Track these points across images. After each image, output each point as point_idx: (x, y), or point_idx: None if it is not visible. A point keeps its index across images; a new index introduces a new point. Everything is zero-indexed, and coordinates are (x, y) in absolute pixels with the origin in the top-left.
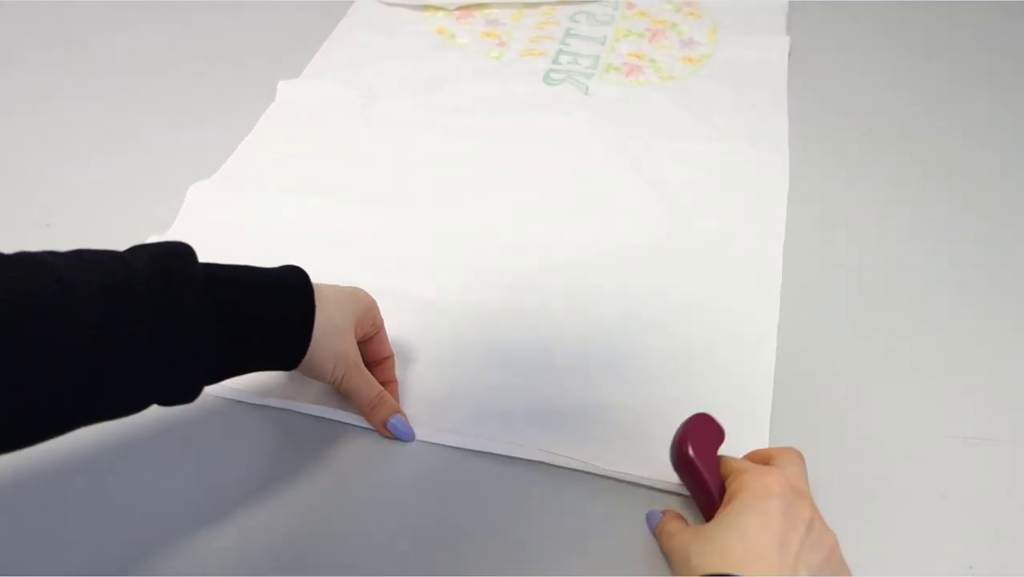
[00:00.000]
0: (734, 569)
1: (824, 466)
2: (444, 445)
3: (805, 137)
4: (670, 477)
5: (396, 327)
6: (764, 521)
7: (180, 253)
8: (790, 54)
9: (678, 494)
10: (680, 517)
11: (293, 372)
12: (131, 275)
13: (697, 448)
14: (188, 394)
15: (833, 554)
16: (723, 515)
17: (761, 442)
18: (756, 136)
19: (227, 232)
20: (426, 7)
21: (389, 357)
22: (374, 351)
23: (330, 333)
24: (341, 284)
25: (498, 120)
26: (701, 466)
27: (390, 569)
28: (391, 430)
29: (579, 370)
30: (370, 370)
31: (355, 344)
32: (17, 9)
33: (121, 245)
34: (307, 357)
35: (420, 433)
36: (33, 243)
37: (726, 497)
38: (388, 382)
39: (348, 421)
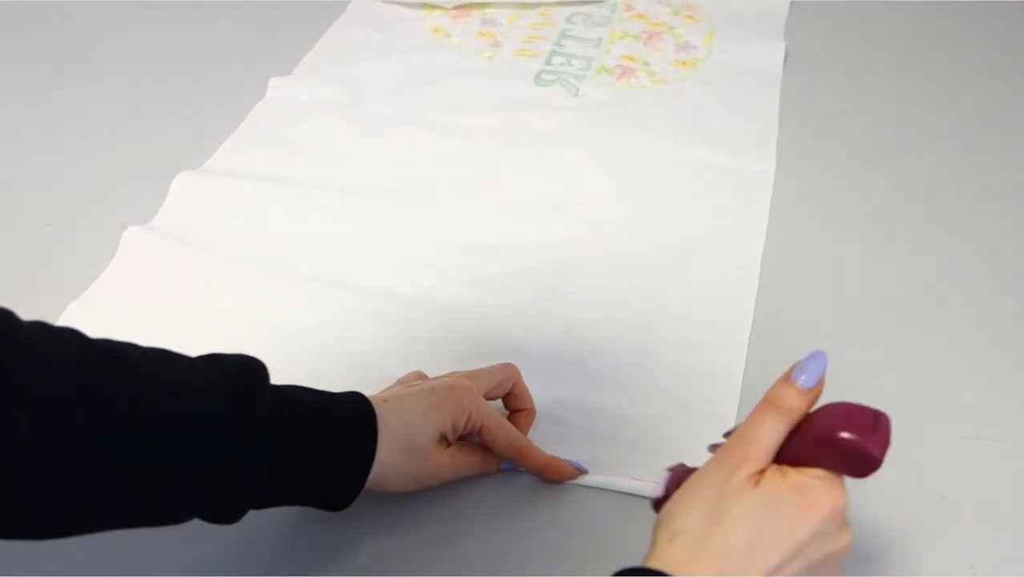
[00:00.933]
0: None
1: None
2: None
3: (801, 140)
4: (629, 479)
5: (374, 324)
6: (786, 530)
7: (254, 370)
8: (787, 58)
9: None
10: None
11: None
12: (205, 391)
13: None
14: (232, 516)
15: None
16: (770, 489)
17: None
18: (743, 143)
19: (210, 222)
20: (423, 5)
21: (523, 411)
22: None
23: (398, 463)
24: (433, 378)
25: (485, 120)
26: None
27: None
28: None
29: (548, 369)
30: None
31: (440, 453)
32: (14, 8)
33: (119, 242)
34: (380, 486)
35: None
36: (33, 243)
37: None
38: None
39: None
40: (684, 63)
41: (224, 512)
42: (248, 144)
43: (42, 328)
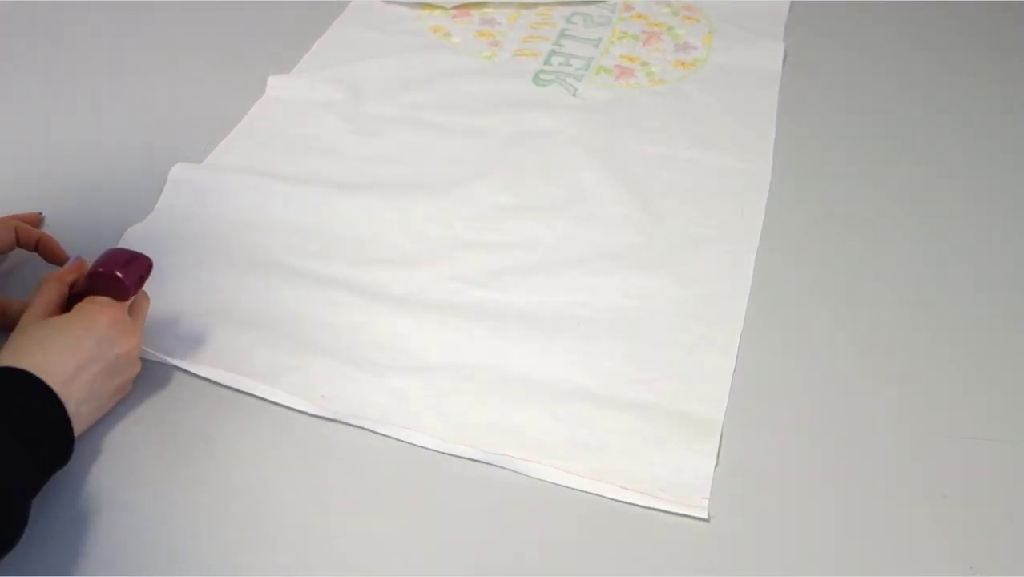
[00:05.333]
0: (27, 366)
1: (824, 466)
2: (407, 442)
3: (799, 141)
4: (612, 481)
5: (366, 322)
6: (75, 344)
7: None
8: (786, 58)
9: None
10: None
11: None
12: None
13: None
14: None
15: (127, 384)
16: (57, 319)
17: (711, 447)
18: (740, 144)
19: (206, 218)
20: (423, 5)
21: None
22: None
23: None
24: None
25: (484, 119)
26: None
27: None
28: None
29: (543, 367)
30: None
31: None
32: (15, 8)
33: (118, 241)
34: None
35: (383, 429)
36: None
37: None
38: None
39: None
40: (683, 63)
41: None
42: (246, 142)
43: None
